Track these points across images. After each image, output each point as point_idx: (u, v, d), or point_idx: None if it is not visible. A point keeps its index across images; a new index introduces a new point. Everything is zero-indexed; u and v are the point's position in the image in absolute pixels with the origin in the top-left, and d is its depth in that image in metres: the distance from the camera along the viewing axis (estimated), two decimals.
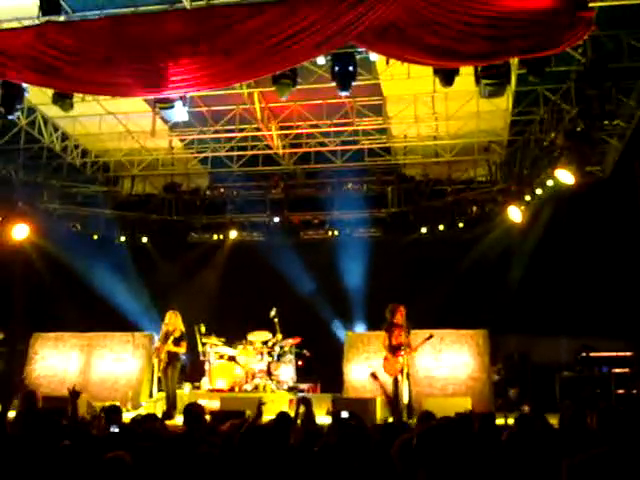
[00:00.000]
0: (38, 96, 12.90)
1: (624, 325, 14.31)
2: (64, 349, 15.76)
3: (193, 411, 6.04)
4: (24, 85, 10.65)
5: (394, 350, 12.04)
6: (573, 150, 12.62)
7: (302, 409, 7.74)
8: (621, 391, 14.57)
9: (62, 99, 10.89)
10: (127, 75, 9.78)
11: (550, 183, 14.02)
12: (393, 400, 11.85)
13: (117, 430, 6.05)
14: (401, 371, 11.92)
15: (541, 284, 15.36)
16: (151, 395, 14.83)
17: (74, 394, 6.71)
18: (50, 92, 11.22)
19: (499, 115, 14.79)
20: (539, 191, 14.65)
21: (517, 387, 12.57)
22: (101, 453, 3.88)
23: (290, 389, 14.73)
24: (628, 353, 15.08)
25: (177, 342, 12.63)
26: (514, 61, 10.39)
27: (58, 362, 15.60)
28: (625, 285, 14.53)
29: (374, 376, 5.48)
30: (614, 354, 15.19)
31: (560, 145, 13.04)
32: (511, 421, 9.66)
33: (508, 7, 8.83)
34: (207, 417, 9.51)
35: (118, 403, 11.62)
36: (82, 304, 16.86)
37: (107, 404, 9.29)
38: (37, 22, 10.61)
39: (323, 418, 11.47)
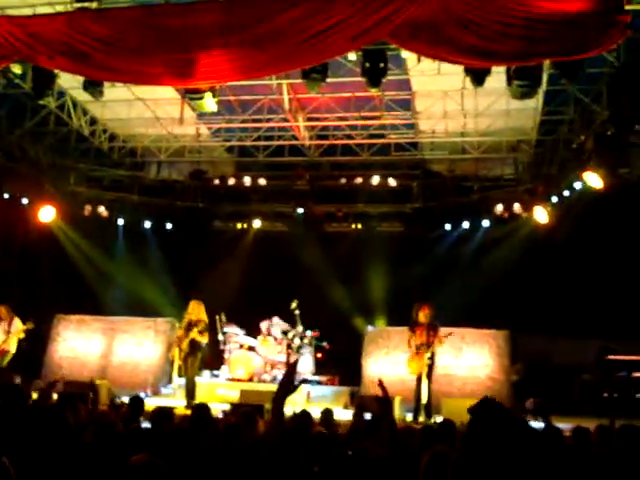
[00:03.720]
0: (68, 80, 12.92)
1: None
2: (86, 332, 15.93)
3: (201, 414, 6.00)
4: (55, 70, 10.71)
5: (417, 349, 11.99)
6: (603, 154, 12.47)
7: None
8: None
9: (93, 87, 10.93)
10: (158, 65, 9.80)
11: (578, 185, 13.89)
12: (414, 400, 11.83)
13: (144, 425, 6.08)
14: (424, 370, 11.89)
15: (565, 285, 15.26)
16: (170, 381, 14.96)
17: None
18: (80, 77, 11.27)
19: (528, 114, 14.65)
20: (566, 193, 14.53)
21: (534, 397, 12.39)
22: (126, 452, 3.90)
23: (308, 381, 14.78)
24: None
25: (201, 332, 12.64)
26: (546, 61, 10.28)
27: (80, 345, 15.77)
28: None
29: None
30: (635, 358, 15.09)
31: (590, 148, 12.89)
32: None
33: (544, 8, 8.71)
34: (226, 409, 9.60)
35: (141, 393, 11.74)
36: (105, 288, 17.01)
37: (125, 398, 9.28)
38: (70, 8, 10.67)
39: (340, 411, 11.56)
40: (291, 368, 4.51)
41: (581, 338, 15.22)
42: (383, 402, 5.14)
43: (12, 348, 13.53)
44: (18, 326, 13.51)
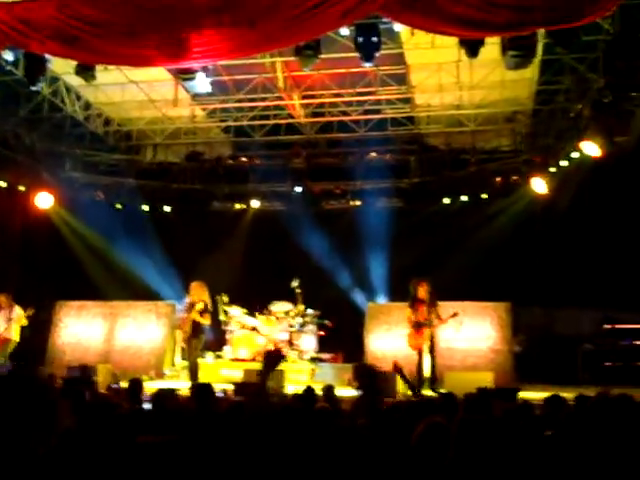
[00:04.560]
0: (61, 65, 12.84)
1: None
2: (87, 317, 15.95)
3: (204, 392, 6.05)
4: (47, 56, 10.63)
5: (417, 325, 12.03)
6: (600, 122, 12.43)
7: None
8: None
9: (85, 71, 10.87)
10: (150, 46, 9.72)
11: (575, 155, 13.85)
12: (416, 374, 11.88)
13: (145, 406, 6.11)
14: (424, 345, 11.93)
15: (565, 255, 15.28)
16: (173, 364, 15.01)
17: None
18: (73, 61, 11.20)
19: (524, 84, 14.56)
20: (564, 162, 14.49)
21: None
22: (128, 434, 3.91)
23: (312, 359, 14.83)
24: None
25: (201, 313, 12.63)
26: (541, 30, 10.20)
27: (81, 330, 15.79)
28: None
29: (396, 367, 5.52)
30: (637, 326, 15.15)
31: (586, 116, 12.84)
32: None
33: None
34: (229, 389, 9.64)
35: (143, 377, 11.75)
36: (105, 273, 17.01)
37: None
38: None
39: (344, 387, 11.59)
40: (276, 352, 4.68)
41: (582, 308, 15.27)
42: (367, 373, 5.09)
43: (15, 336, 13.61)
44: (19, 313, 13.57)
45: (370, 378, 4.78)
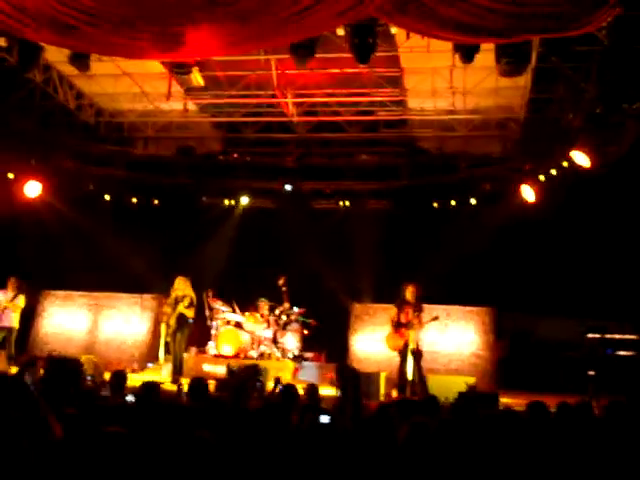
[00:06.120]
0: (54, 54, 12.79)
1: (632, 308, 14.34)
2: (72, 308, 15.91)
3: (199, 387, 6.07)
4: (41, 43, 10.60)
5: (398, 327, 12.06)
6: (590, 132, 12.49)
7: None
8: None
9: (79, 60, 10.85)
10: (144, 38, 9.68)
11: (565, 164, 13.91)
12: (398, 377, 11.90)
13: (129, 399, 6.11)
14: (405, 348, 11.92)
15: (552, 263, 15.34)
16: (157, 358, 14.98)
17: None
18: (67, 50, 11.16)
19: (517, 92, 14.60)
20: (553, 171, 14.55)
21: None
22: (106, 424, 3.90)
23: (295, 358, 14.84)
24: (634, 336, 15.12)
25: (187, 307, 12.65)
26: (535, 38, 10.25)
27: (66, 321, 15.76)
28: (636, 268, 14.52)
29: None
30: (620, 336, 15.21)
31: (578, 126, 12.90)
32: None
33: None
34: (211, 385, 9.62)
35: (127, 369, 11.73)
36: (92, 264, 16.95)
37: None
38: None
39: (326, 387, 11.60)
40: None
41: (566, 316, 15.34)
42: (346, 376, 5.08)
43: (15, 324, 13.59)
44: (19, 303, 13.57)
45: (352, 379, 4.74)
